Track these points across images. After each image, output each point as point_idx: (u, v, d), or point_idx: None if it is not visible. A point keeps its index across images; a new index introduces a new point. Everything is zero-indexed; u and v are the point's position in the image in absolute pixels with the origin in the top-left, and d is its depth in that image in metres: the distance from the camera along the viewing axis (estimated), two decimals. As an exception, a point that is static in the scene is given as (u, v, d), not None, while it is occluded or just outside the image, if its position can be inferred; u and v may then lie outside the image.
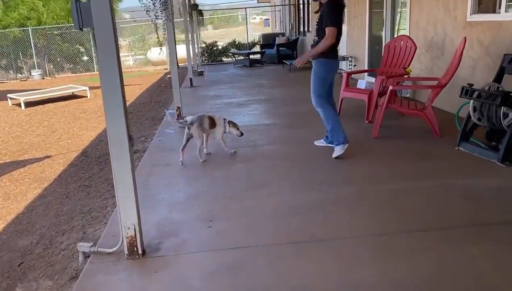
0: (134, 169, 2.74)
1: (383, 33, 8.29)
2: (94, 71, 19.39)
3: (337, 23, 4.11)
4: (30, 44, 18.39)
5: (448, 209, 3.16)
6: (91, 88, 11.63)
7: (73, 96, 10.49)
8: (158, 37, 6.91)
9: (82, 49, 20.65)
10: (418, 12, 6.81)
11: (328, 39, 4.07)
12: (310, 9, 14.04)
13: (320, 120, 4.53)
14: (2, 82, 17.37)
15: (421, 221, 3.00)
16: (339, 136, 4.32)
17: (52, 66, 19.65)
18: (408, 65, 5.98)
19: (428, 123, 4.88)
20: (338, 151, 4.32)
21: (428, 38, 6.53)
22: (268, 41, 17.32)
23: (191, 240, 2.93)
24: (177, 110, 6.53)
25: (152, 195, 3.71)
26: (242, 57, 15.93)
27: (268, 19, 25.24)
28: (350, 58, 9.79)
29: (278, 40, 15.86)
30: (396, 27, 8.02)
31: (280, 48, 15.04)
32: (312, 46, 4.37)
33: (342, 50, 9.87)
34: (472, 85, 4.22)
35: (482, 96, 4.18)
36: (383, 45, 8.25)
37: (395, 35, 8.08)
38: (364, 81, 6.14)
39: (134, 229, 2.74)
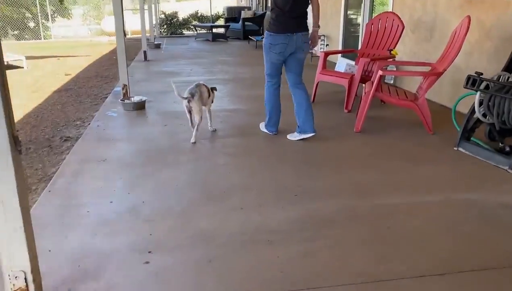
0: (25, 188, 1.79)
1: (361, 10, 7.47)
2: (41, 39, 17.65)
3: None
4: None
5: (464, 239, 2.41)
6: (30, 58, 10.25)
7: (8, 67, 9.11)
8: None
9: (28, 14, 18.74)
10: (404, -13, 6.02)
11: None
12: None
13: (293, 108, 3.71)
14: None
15: (433, 258, 2.23)
16: (268, 124, 4.13)
17: (-6, 31, 17.71)
18: (394, 47, 5.21)
19: (420, 117, 4.14)
20: (262, 126, 4.21)
21: (414, 17, 5.77)
22: (233, 15, 16.21)
23: (118, 287, 2.03)
24: (123, 89, 5.50)
25: (74, 206, 2.77)
26: (204, 31, 14.79)
27: (234, -9, 23.94)
28: (322, 37, 8.96)
29: (244, 14, 14.79)
30: (378, 5, 7.23)
31: (246, 23, 14.01)
32: (279, 16, 3.77)
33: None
34: (481, 74, 3.48)
35: (492, 88, 3.46)
36: (361, 23, 7.46)
37: (375, 13, 7.29)
38: (344, 64, 5.33)
39: (25, 278, 1.81)
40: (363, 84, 4.90)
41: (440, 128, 4.24)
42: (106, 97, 6.03)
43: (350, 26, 8.34)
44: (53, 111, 5.57)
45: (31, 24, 18.71)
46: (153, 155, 3.69)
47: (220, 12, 18.50)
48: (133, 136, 4.20)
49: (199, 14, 17.85)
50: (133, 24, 15.91)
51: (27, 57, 9.73)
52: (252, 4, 18.09)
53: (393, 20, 5.23)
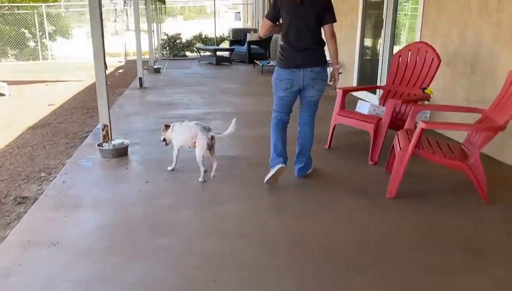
0: None
1: (381, 39, 6.60)
2: (39, 59, 16.97)
3: None
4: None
5: None
6: (18, 82, 9.46)
7: (-12, 94, 8.32)
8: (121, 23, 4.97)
9: (28, 34, 18.10)
10: (435, 13, 5.15)
11: (335, 38, 3.42)
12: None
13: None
14: None
15: None
16: (272, 157, 3.53)
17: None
18: (428, 85, 4.31)
19: (472, 181, 3.19)
20: (268, 174, 3.47)
21: (450, 48, 4.88)
22: (238, 37, 15.47)
23: None
24: (103, 130, 4.62)
25: None
26: (208, 54, 14.02)
27: (240, 12, 23.32)
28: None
29: (250, 37, 14.03)
30: (402, 32, 6.36)
31: (251, 46, 13.23)
32: (287, 48, 3.41)
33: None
34: None
35: None
36: (381, 52, 6.58)
37: (398, 40, 6.43)
38: (367, 104, 4.42)
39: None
40: (392, 129, 3.99)
41: (498, 193, 3.30)
42: (86, 137, 5.15)
43: (367, 55, 7.47)
44: (18, 157, 4.68)
45: (31, 44, 18.05)
46: (122, 235, 2.76)
47: (225, 34, 17.80)
48: (102, 200, 3.28)
49: (203, 36, 17.12)
50: (134, 45, 15.18)
51: (15, 82, 8.94)
52: (258, 27, 17.38)
53: (427, 52, 4.34)
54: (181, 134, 3.75)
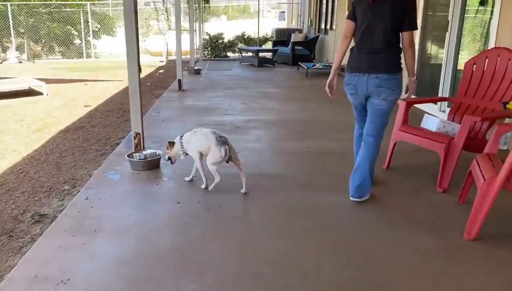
0: None
1: (446, 42, 5.89)
2: (83, 57, 17.13)
3: None
4: (9, 22, 16.06)
5: None
6: (57, 81, 9.35)
7: (30, 92, 8.21)
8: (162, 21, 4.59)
9: (74, 31, 18.31)
10: (516, 13, 4.44)
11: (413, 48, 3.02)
12: (335, 2, 11.63)
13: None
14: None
15: None
16: (351, 178, 3.18)
17: (40, 48, 17.37)
18: (511, 99, 3.63)
19: None
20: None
21: (534, 54, 4.15)
22: (282, 37, 14.96)
23: None
24: (135, 138, 4.23)
25: None
26: (250, 54, 13.60)
27: (284, 12, 22.78)
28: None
29: (294, 38, 13.48)
30: (470, 35, 5.64)
31: (295, 47, 12.69)
32: (357, 53, 3.10)
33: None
34: None
35: None
36: (445, 58, 5.89)
37: (464, 45, 5.72)
38: (435, 119, 3.78)
39: None
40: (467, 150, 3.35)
41: None
42: (119, 143, 4.79)
43: (427, 60, 6.76)
44: (44, 165, 4.36)
45: (77, 42, 18.24)
46: (144, 273, 2.31)
47: (269, 34, 17.32)
48: (126, 224, 2.86)
49: (245, 36, 16.72)
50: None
51: (54, 80, 8.81)
52: (303, 26, 16.77)
53: (509, 60, 3.66)
54: (200, 144, 3.35)
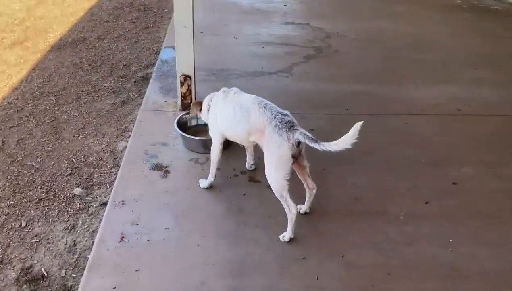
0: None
1: None
2: None
3: None
4: None
5: None
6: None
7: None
8: None
9: None
10: None
11: None
12: None
13: None
14: None
15: None
16: None
17: None
18: None
19: None
20: None
21: None
22: None
23: None
24: (182, 85, 2.50)
25: None
26: None
27: None
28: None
29: None
30: None
31: None
32: None
33: None
34: None
35: None
36: None
37: None
38: None
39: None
40: None
41: None
42: (146, 78, 3.06)
43: None
44: (28, 127, 2.63)
45: None
46: None
47: None
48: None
49: None
50: None
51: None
52: None
53: None
54: (230, 120, 1.94)
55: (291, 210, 1.74)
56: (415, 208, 1.98)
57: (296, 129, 1.70)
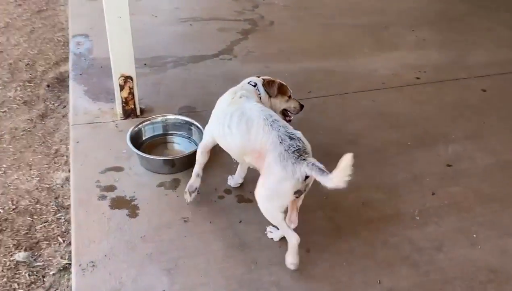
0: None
1: None
2: None
3: None
4: None
5: None
6: None
7: None
8: None
9: None
10: None
11: None
12: None
13: None
14: None
15: None
16: None
17: None
18: None
19: None
20: None
21: None
22: None
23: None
24: (122, 87, 2.00)
25: None
26: None
27: None
28: None
29: None
30: None
31: None
32: None
33: None
34: None
35: None
36: None
37: None
38: None
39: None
40: None
41: None
42: (60, 82, 2.47)
43: None
44: None
45: None
46: None
47: None
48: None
49: None
50: None
51: None
52: None
53: None
54: (225, 126, 1.57)
55: (291, 240, 1.44)
56: (425, 202, 1.81)
57: (304, 159, 1.33)
